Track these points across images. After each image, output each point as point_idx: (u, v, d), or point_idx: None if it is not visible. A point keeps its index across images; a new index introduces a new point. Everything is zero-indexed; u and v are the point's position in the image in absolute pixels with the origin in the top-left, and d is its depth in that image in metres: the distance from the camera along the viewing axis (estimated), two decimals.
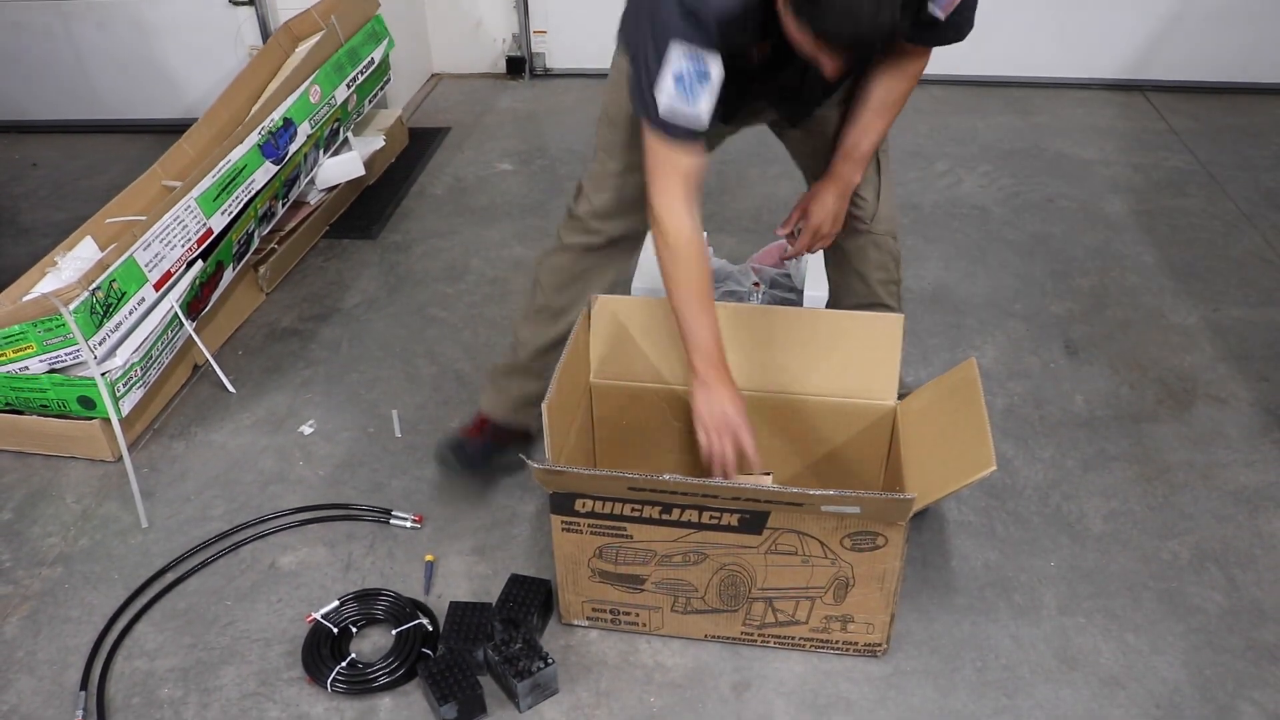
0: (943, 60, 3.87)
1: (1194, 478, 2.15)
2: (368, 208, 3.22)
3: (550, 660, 1.69)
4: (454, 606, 1.81)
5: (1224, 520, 2.04)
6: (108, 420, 2.22)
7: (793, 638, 1.77)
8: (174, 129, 3.64)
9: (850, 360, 1.86)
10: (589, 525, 1.68)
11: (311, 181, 3.03)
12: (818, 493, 1.52)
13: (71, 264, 2.42)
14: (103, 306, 2.17)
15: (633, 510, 1.64)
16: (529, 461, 1.56)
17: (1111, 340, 2.56)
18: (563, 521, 1.68)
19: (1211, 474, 2.16)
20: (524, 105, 4.08)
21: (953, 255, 2.92)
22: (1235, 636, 1.81)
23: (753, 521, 1.61)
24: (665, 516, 1.63)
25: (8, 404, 2.27)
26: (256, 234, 2.73)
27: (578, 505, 1.65)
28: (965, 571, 1.95)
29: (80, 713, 1.73)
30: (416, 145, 3.59)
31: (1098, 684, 1.74)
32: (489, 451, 2.12)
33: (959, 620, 1.85)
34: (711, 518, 1.62)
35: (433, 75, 4.26)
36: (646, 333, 1.91)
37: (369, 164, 3.18)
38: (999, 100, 3.80)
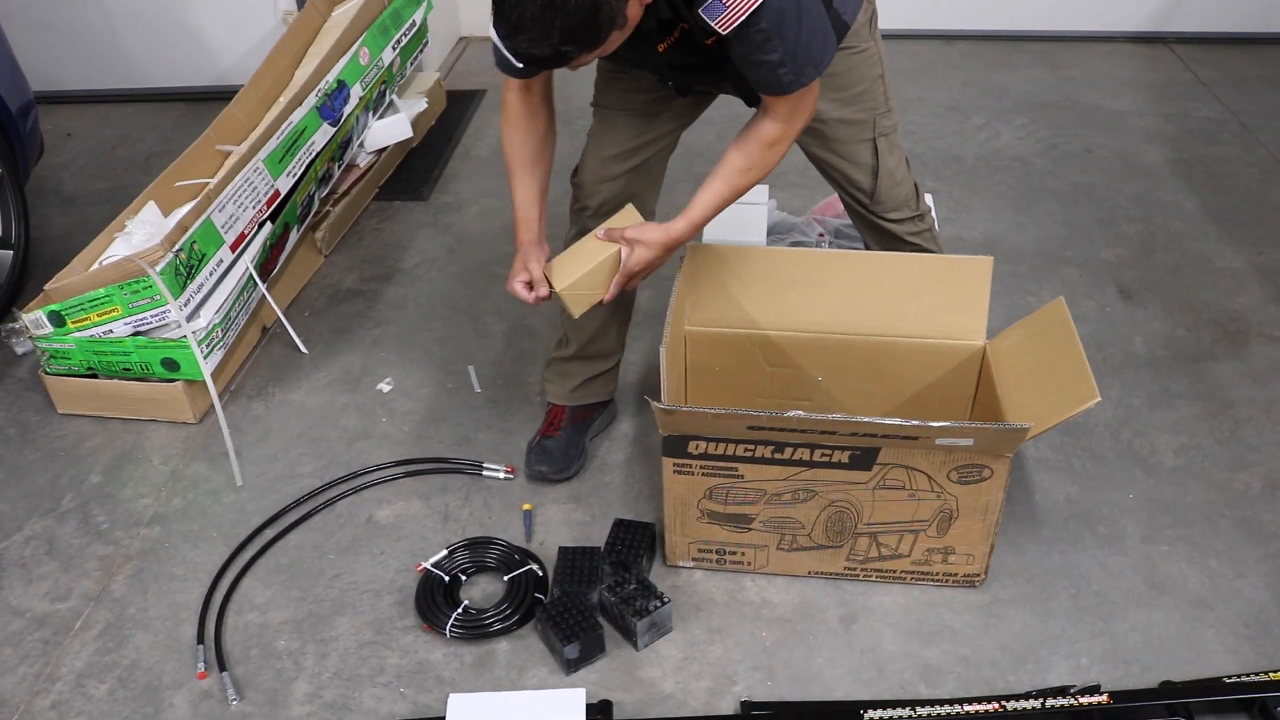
0: (969, 15, 3.95)
1: (1257, 412, 2.21)
2: (414, 170, 3.23)
3: (666, 599, 1.74)
4: (563, 551, 1.85)
5: None
6: (189, 382, 2.24)
7: (894, 571, 1.82)
8: (206, 96, 3.62)
9: (940, 302, 1.91)
10: (701, 467, 1.72)
11: (361, 144, 3.03)
12: (936, 425, 1.56)
13: (141, 228, 2.43)
14: (185, 268, 2.18)
15: (745, 450, 1.68)
16: (652, 402, 1.60)
17: (1162, 284, 2.62)
18: (675, 464, 1.72)
19: (1274, 408, 2.22)
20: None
21: (999, 206, 2.97)
22: None
23: (863, 458, 1.66)
24: (777, 455, 1.68)
25: (89, 368, 2.29)
26: (316, 196, 2.74)
27: (690, 447, 1.69)
28: (1049, 505, 2.01)
29: (202, 665, 1.77)
30: (455, 108, 3.59)
31: (1187, 606, 1.81)
32: (578, 435, 2.12)
33: (1048, 551, 1.91)
34: (823, 455, 1.66)
35: (461, 38, 4.24)
36: (739, 279, 1.95)
37: (414, 126, 3.19)
38: (1027, 54, 3.83)
